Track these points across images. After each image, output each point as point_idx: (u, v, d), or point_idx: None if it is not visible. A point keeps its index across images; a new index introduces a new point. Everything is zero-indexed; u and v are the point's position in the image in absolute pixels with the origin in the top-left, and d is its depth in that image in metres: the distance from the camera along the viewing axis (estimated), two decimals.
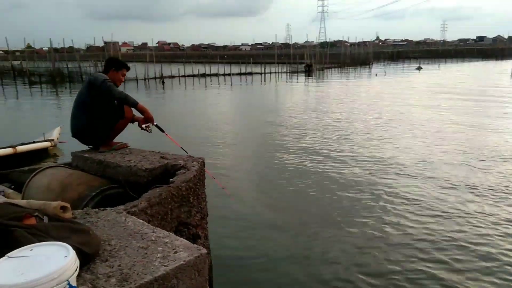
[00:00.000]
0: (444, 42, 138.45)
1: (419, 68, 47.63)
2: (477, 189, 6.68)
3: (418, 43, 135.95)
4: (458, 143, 10.01)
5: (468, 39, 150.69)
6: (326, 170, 7.97)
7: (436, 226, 5.35)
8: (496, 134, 11.03)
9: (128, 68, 3.88)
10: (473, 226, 5.34)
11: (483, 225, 5.35)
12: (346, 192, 6.69)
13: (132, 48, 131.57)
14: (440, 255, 4.61)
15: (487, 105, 17.01)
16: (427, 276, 4.21)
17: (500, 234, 5.10)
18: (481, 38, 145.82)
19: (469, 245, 4.83)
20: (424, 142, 10.17)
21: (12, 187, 3.83)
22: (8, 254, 1.37)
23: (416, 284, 4.10)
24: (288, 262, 4.60)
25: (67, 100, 21.27)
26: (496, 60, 70.95)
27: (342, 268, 4.41)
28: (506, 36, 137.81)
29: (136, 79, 33.66)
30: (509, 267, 4.35)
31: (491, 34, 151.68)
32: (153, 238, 1.89)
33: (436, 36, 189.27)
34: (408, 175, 7.51)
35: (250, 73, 40.94)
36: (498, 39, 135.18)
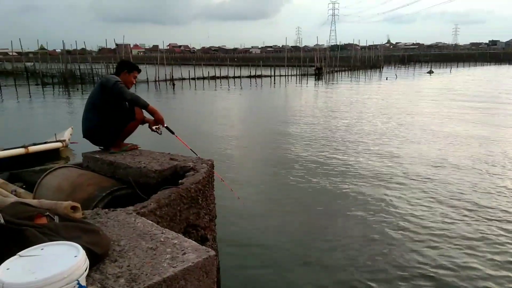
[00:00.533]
0: (456, 46, 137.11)
1: (430, 72, 47.18)
2: (490, 195, 6.60)
3: (430, 46, 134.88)
4: (469, 148, 9.89)
5: (480, 43, 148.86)
6: (335, 175, 7.93)
7: (449, 235, 5.29)
8: (509, 140, 10.88)
9: (139, 71, 3.92)
10: (485, 234, 5.27)
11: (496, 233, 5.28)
12: (358, 198, 6.64)
13: (143, 50, 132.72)
14: (454, 267, 4.56)
15: (498, 111, 16.79)
16: None
17: None
18: (493, 42, 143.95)
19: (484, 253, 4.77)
20: (434, 148, 10.06)
21: (24, 186, 3.88)
22: (19, 253, 1.38)
23: None
24: (295, 266, 4.58)
25: (79, 101, 21.53)
26: (509, 64, 69.97)
27: (349, 276, 4.38)
28: None
29: (147, 81, 33.94)
30: None
31: (504, 38, 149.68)
32: (162, 239, 1.90)
33: (448, 40, 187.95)
34: (418, 180, 7.44)
35: (260, 76, 41.01)
36: (511, 43, 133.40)
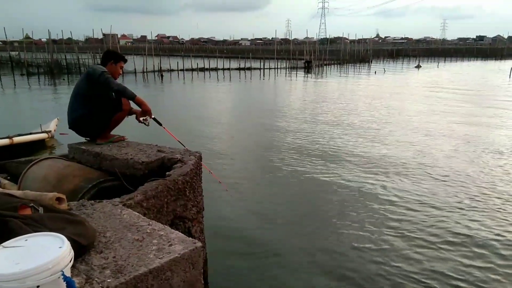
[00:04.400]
0: (444, 41, 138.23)
1: (418, 67, 47.59)
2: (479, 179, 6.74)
3: (418, 41, 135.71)
4: (455, 141, 10.04)
5: (468, 38, 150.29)
6: (323, 166, 7.98)
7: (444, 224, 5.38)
8: (494, 132, 11.07)
9: (125, 61, 3.87)
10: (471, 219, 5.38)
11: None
12: (343, 188, 6.70)
13: (131, 40, 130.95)
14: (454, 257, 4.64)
15: (483, 103, 17.04)
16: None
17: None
18: (481, 38, 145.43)
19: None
20: (421, 141, 10.19)
21: (9, 178, 3.82)
22: (3, 244, 1.37)
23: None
24: (283, 257, 4.61)
25: (65, 92, 21.18)
26: (495, 60, 70.87)
27: (335, 263, 4.44)
28: (506, 36, 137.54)
29: (135, 72, 33.54)
30: None
31: (491, 34, 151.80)
32: (148, 231, 1.90)
33: (436, 34, 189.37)
34: (407, 175, 7.54)
35: (249, 68, 40.84)
36: (498, 39, 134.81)
